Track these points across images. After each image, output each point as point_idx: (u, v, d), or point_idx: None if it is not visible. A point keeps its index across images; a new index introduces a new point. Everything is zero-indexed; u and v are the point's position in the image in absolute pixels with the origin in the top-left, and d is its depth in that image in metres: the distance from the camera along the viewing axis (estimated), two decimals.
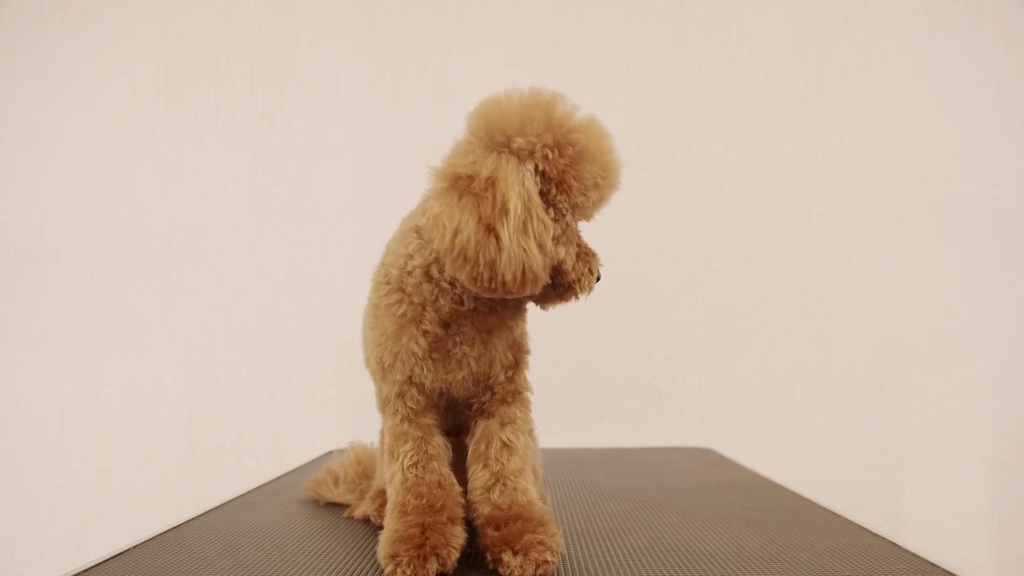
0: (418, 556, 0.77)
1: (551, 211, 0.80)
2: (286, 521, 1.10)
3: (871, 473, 1.82)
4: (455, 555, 0.80)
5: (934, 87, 1.87)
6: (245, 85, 1.91)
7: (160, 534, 1.01)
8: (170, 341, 1.88)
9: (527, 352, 0.94)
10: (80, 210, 1.90)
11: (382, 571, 0.80)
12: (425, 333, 0.85)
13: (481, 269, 0.76)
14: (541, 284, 0.79)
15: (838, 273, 1.86)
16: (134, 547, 0.95)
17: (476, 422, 0.91)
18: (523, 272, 0.76)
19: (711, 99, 1.89)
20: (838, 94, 1.88)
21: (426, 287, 0.84)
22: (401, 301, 0.85)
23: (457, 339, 0.86)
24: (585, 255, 0.86)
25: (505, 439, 0.88)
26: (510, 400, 0.91)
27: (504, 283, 0.76)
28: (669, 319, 1.87)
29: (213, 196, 1.90)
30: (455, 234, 0.75)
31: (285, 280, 1.89)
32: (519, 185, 0.76)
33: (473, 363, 0.87)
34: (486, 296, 0.82)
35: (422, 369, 0.86)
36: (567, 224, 0.81)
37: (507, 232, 0.75)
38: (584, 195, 0.80)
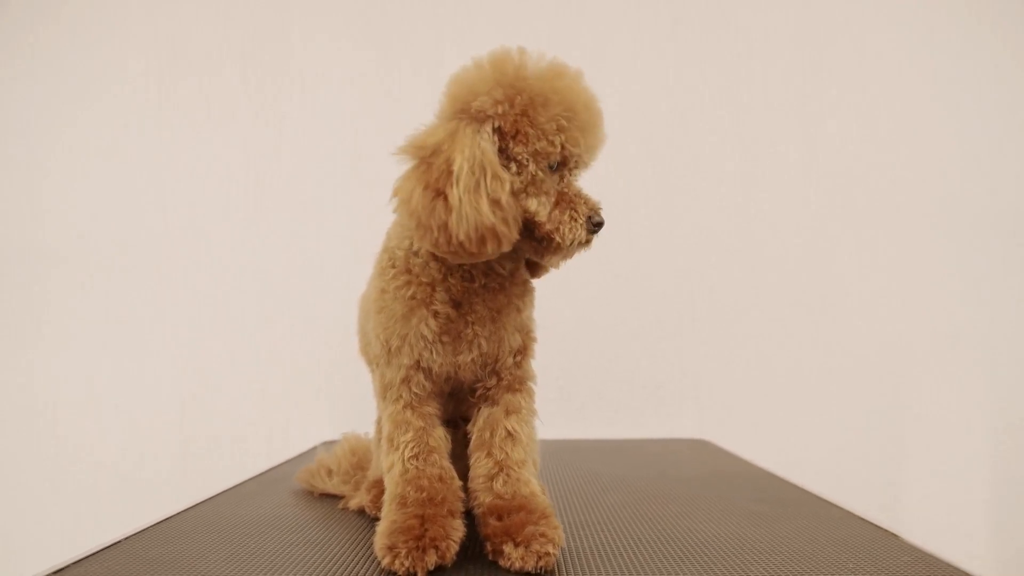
0: (417, 548, 0.76)
1: (513, 165, 0.79)
2: (280, 512, 1.08)
3: (868, 467, 1.81)
4: (454, 548, 0.79)
5: (933, 83, 1.86)
6: (239, 80, 1.88)
7: (154, 524, 1.00)
8: (164, 335, 1.86)
9: (534, 339, 0.93)
10: (74, 206, 1.87)
11: (379, 563, 0.78)
12: (436, 314, 0.84)
13: (436, 234, 0.76)
14: (507, 240, 0.78)
15: (835, 267, 1.86)
16: (127, 537, 0.94)
17: (480, 409, 0.90)
18: (476, 230, 0.75)
19: (709, 94, 1.88)
20: (836, 89, 1.87)
21: (433, 266, 0.84)
22: (409, 283, 0.85)
23: (469, 319, 0.85)
24: (568, 203, 0.81)
25: (510, 428, 0.86)
26: (516, 388, 0.90)
27: (461, 244, 0.76)
28: (666, 312, 1.87)
29: (207, 191, 1.87)
30: (408, 203, 0.78)
31: (279, 274, 1.87)
32: (469, 148, 0.77)
33: (484, 343, 0.86)
34: (457, 261, 0.82)
35: (431, 353, 0.85)
36: (533, 174, 0.79)
37: (455, 193, 0.75)
38: (547, 140, 0.78)
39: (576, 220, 0.81)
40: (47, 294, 1.86)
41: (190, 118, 1.88)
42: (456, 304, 0.85)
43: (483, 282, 0.85)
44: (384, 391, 0.88)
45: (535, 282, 0.95)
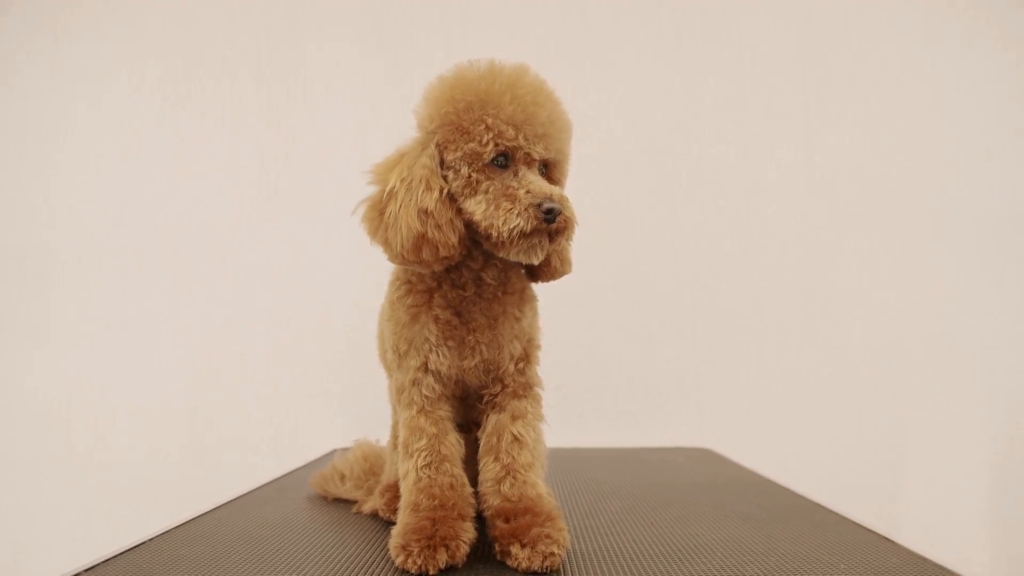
0: (428, 547, 0.80)
1: (450, 172, 0.84)
2: (296, 516, 1.12)
3: (867, 473, 1.85)
4: (464, 548, 0.83)
5: (932, 92, 1.90)
6: (252, 85, 1.93)
7: (175, 527, 1.04)
8: (176, 337, 1.90)
9: (538, 346, 0.97)
10: (88, 208, 1.92)
11: (393, 562, 0.83)
12: (436, 319, 0.89)
13: (384, 248, 0.86)
14: (444, 244, 0.82)
15: (835, 275, 1.90)
16: (151, 539, 0.98)
17: (488, 416, 0.94)
18: (408, 240, 0.82)
19: (712, 103, 1.92)
20: (837, 99, 1.91)
21: (427, 276, 0.90)
22: (410, 292, 0.91)
23: (471, 326, 0.90)
24: (508, 196, 0.81)
25: (516, 433, 0.90)
26: (521, 394, 0.94)
27: (402, 255, 0.84)
28: (668, 320, 1.90)
29: (219, 195, 1.92)
30: (365, 224, 0.87)
31: (290, 278, 1.91)
32: (408, 167, 0.84)
33: (485, 349, 0.90)
34: (417, 270, 0.89)
35: (438, 355, 0.89)
36: (467, 176, 0.83)
37: (389, 209, 0.84)
38: (476, 141, 0.81)
39: (512, 210, 0.80)
40: (59, 295, 1.91)
41: (203, 122, 1.93)
42: (457, 312, 0.90)
43: (475, 291, 0.90)
44: (398, 395, 0.93)
45: (538, 291, 0.99)
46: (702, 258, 1.91)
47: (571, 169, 0.94)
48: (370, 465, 1.22)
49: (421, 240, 0.82)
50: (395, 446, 1.01)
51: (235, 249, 1.92)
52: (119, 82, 1.93)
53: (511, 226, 0.80)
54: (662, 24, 1.92)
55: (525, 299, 0.95)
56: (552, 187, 0.83)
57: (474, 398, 0.96)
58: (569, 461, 1.59)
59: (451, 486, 0.88)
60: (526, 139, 0.82)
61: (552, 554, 0.81)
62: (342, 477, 1.24)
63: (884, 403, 1.87)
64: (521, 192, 0.81)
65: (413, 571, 0.80)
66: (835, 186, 1.91)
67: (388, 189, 0.84)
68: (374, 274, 1.10)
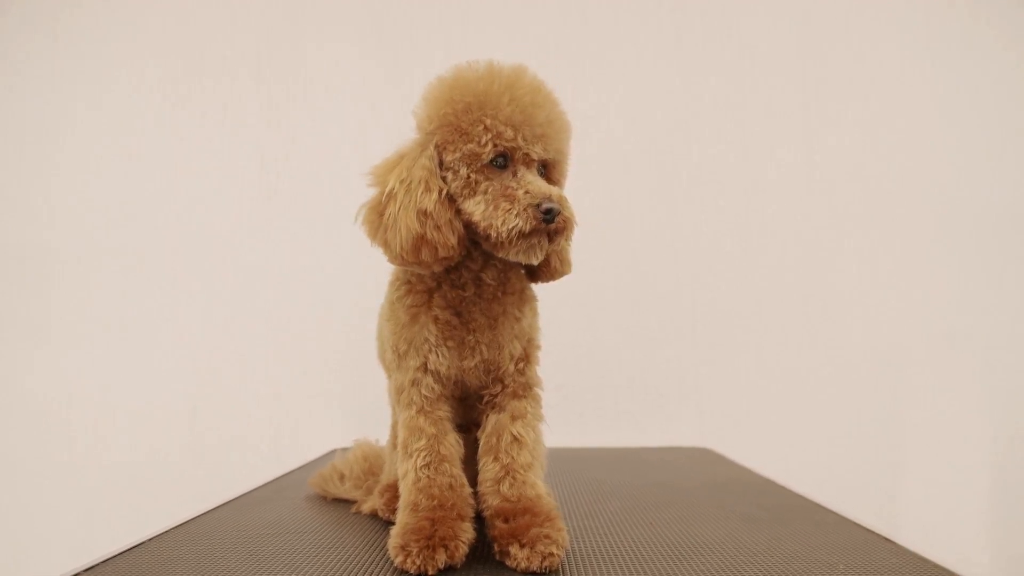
0: (427, 547, 0.80)
1: (448, 174, 0.84)
2: (295, 516, 1.13)
3: (867, 473, 1.85)
4: (463, 549, 0.83)
5: (932, 92, 1.90)
6: (252, 85, 1.93)
7: (174, 527, 1.04)
8: (176, 337, 1.91)
9: (538, 347, 0.97)
10: (88, 208, 1.92)
11: (392, 562, 0.82)
12: (436, 319, 0.89)
13: (384, 249, 0.86)
14: (443, 245, 0.83)
15: (835, 275, 1.90)
16: (150, 539, 0.98)
17: (487, 416, 0.94)
18: (407, 241, 0.82)
19: (712, 103, 1.92)
20: (837, 99, 1.91)
21: (427, 276, 0.90)
22: (409, 292, 0.91)
23: (471, 326, 0.90)
24: (507, 197, 0.81)
25: (516, 433, 0.90)
26: (521, 394, 0.94)
27: (401, 256, 0.84)
28: (668, 320, 1.90)
29: (220, 195, 1.92)
30: (365, 225, 0.87)
31: (290, 278, 1.92)
32: (407, 169, 0.84)
33: (485, 349, 0.90)
34: (418, 271, 0.89)
35: (437, 356, 0.89)
36: (466, 177, 0.83)
37: (388, 211, 0.84)
38: (475, 142, 0.82)
39: (510, 211, 0.80)
40: (59, 295, 1.91)
41: (203, 122, 1.93)
42: (457, 312, 0.90)
43: (475, 291, 0.90)
44: (397, 394, 0.93)
45: (538, 291, 0.99)
46: (702, 258, 1.91)
47: (571, 169, 0.94)
48: (370, 465, 1.22)
49: (420, 241, 0.82)
50: (394, 446, 1.01)
51: (235, 249, 1.92)
52: (119, 82, 1.93)
53: (510, 226, 0.80)
54: (662, 24, 1.92)
55: (525, 299, 0.95)
56: (551, 187, 0.83)
57: (474, 398, 0.96)
58: (569, 461, 1.59)
59: (450, 486, 0.88)
60: (524, 140, 0.82)
61: (551, 554, 0.81)
62: (342, 477, 1.24)
63: (884, 403, 1.87)
64: (520, 192, 0.81)
65: (412, 571, 0.80)
66: (835, 186, 1.91)
67: (387, 190, 0.84)
68: (374, 274, 1.10)
